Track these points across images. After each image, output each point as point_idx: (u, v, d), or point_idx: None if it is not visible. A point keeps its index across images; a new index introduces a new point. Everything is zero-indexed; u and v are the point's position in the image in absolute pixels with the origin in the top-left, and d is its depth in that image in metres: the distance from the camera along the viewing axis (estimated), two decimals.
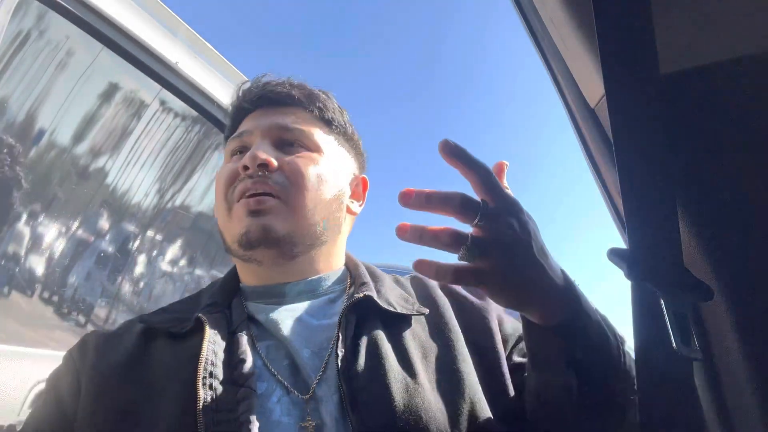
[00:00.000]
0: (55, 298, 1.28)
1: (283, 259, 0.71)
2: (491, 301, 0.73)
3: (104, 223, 1.41)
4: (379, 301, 0.68)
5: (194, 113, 1.54)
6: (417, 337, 0.67)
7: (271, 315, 0.70)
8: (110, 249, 1.41)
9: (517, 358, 0.69)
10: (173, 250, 1.66)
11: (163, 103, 1.47)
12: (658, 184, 0.49)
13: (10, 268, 1.14)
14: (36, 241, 1.20)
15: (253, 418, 0.58)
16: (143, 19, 1.26)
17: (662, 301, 0.47)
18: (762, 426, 0.51)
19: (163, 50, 1.32)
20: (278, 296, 0.73)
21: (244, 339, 0.66)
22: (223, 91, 1.54)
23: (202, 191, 1.71)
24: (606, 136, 0.64)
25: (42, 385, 0.99)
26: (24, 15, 1.07)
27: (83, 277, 1.36)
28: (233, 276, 0.80)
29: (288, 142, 0.75)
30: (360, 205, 0.84)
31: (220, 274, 1.83)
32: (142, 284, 1.55)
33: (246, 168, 0.71)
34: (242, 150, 0.77)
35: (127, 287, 1.49)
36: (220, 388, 0.60)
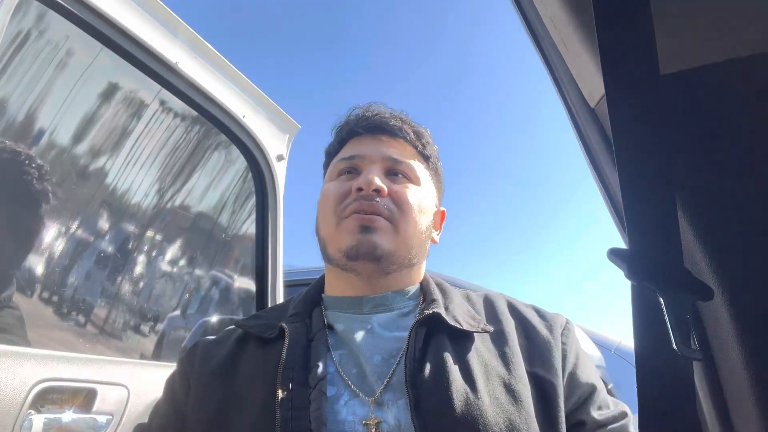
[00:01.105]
0: (55, 298, 1.28)
1: (378, 273, 0.80)
2: (560, 338, 0.77)
3: (104, 223, 1.41)
4: (446, 317, 0.75)
5: (194, 113, 1.54)
6: (480, 354, 0.73)
7: (346, 325, 0.79)
8: (110, 249, 1.41)
9: (595, 413, 0.72)
10: (173, 250, 1.66)
11: (162, 103, 1.47)
12: (658, 184, 0.49)
13: (9, 268, 1.14)
14: (35, 241, 1.20)
15: (322, 416, 0.66)
16: (143, 19, 1.26)
17: (662, 301, 0.47)
18: (762, 426, 0.51)
19: (163, 50, 1.32)
20: (355, 307, 0.81)
21: (319, 346, 0.75)
22: (223, 91, 1.53)
23: (202, 191, 1.71)
24: (606, 136, 0.64)
25: (42, 385, 0.99)
26: (24, 15, 1.07)
27: (83, 277, 1.36)
28: (316, 287, 0.88)
29: (395, 172, 0.83)
30: (438, 234, 0.92)
31: (220, 274, 1.83)
32: (141, 284, 1.55)
33: (360, 189, 0.79)
34: (351, 171, 0.85)
35: (126, 287, 1.49)
36: (295, 389, 0.68)
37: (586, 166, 0.71)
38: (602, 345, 2.71)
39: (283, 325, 0.77)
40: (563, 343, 0.76)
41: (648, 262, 0.48)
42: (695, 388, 0.48)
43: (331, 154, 0.92)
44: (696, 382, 0.54)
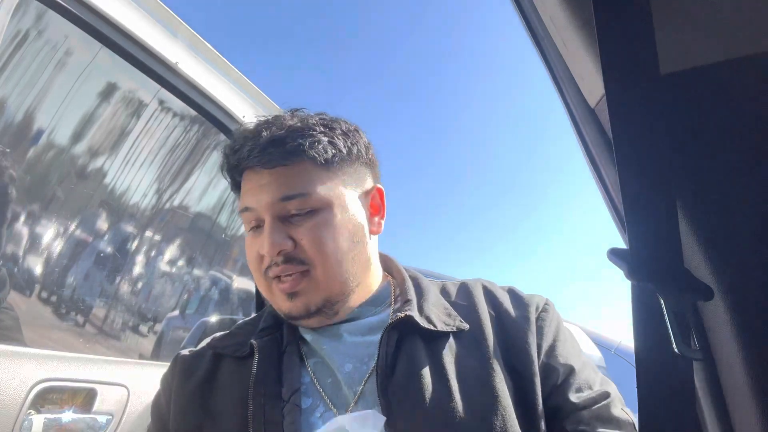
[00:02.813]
0: (54, 298, 1.28)
1: (326, 316, 0.77)
2: (535, 321, 0.75)
3: (103, 223, 1.41)
4: (419, 320, 0.73)
5: (193, 113, 1.54)
6: (455, 353, 0.71)
7: (316, 334, 0.77)
8: (109, 249, 1.41)
9: (572, 396, 0.69)
10: (172, 250, 1.66)
11: (161, 102, 1.47)
12: (658, 184, 0.49)
13: (9, 268, 1.14)
14: (34, 241, 1.20)
15: (297, 429, 0.66)
16: (143, 19, 1.26)
17: (662, 301, 0.47)
18: (762, 426, 0.51)
19: (163, 50, 1.32)
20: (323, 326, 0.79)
21: (292, 358, 0.75)
22: (223, 91, 1.53)
23: (200, 191, 1.71)
24: (606, 136, 0.64)
25: (42, 385, 0.99)
26: (23, 14, 1.07)
27: (82, 277, 1.36)
28: None
29: (296, 210, 0.74)
30: (381, 219, 0.84)
31: (219, 274, 1.83)
32: (140, 284, 1.55)
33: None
34: (257, 224, 0.77)
35: (125, 287, 1.49)
36: (267, 403, 0.69)
37: (586, 166, 0.71)
38: (602, 345, 2.71)
39: (253, 341, 0.76)
40: (539, 327, 0.74)
41: (648, 262, 0.48)
42: (695, 388, 0.48)
43: (233, 187, 0.83)
44: (696, 382, 0.54)
